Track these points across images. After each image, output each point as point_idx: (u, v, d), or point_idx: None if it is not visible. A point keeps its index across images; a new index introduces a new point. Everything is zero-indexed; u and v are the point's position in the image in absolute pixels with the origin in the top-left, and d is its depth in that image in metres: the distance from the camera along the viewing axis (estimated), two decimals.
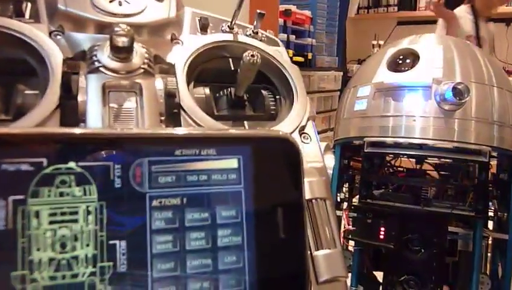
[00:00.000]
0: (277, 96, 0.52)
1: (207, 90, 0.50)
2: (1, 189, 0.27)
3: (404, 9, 3.60)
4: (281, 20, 2.45)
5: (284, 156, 0.33)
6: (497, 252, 0.98)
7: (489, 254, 0.99)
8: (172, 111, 0.42)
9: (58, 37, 0.44)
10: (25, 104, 0.41)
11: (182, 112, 0.42)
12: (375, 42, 3.44)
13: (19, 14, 0.44)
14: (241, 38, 0.52)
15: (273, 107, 0.51)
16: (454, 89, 0.85)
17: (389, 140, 0.93)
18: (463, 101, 0.85)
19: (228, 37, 0.51)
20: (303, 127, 0.47)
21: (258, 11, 0.51)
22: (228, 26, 0.52)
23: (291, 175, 0.33)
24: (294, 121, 0.47)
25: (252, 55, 0.44)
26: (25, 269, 0.27)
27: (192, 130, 0.37)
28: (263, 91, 0.52)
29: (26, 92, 0.42)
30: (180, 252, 0.30)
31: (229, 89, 0.50)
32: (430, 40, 1.01)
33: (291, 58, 2.57)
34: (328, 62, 3.06)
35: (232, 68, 0.51)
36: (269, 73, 0.52)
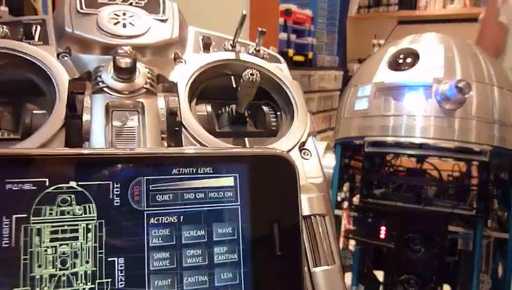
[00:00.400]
0: (278, 112, 0.52)
1: (209, 108, 0.50)
2: (5, 208, 0.28)
3: (405, 9, 3.58)
4: (281, 20, 2.45)
5: (281, 174, 0.34)
6: (497, 251, 0.98)
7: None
8: (174, 129, 0.43)
9: (65, 58, 0.45)
10: (33, 123, 0.42)
11: (184, 130, 0.43)
12: (375, 41, 3.42)
13: (28, 37, 0.46)
14: (243, 56, 0.52)
15: (274, 123, 0.51)
16: (456, 85, 0.85)
17: (389, 139, 0.92)
18: (466, 96, 0.85)
19: (230, 56, 0.52)
20: (303, 143, 0.47)
21: (259, 29, 0.52)
22: (230, 44, 0.53)
23: (288, 193, 0.34)
24: (294, 137, 0.47)
25: (252, 74, 0.44)
26: (27, 285, 0.28)
27: (189, 149, 0.38)
28: (264, 107, 0.52)
29: (34, 111, 0.43)
30: (177, 268, 0.30)
31: (231, 106, 0.51)
32: (430, 39, 1.00)
33: (291, 57, 2.57)
34: (328, 61, 3.05)
35: (234, 86, 0.52)
36: (270, 89, 0.53)
